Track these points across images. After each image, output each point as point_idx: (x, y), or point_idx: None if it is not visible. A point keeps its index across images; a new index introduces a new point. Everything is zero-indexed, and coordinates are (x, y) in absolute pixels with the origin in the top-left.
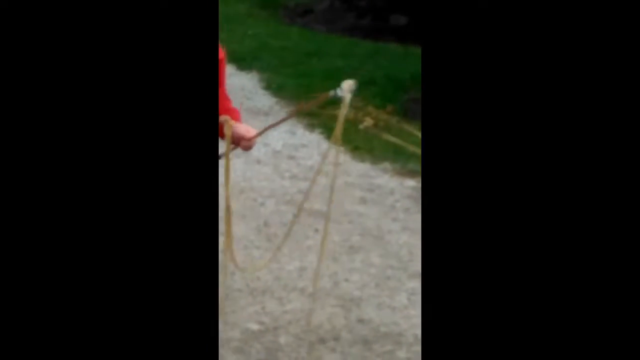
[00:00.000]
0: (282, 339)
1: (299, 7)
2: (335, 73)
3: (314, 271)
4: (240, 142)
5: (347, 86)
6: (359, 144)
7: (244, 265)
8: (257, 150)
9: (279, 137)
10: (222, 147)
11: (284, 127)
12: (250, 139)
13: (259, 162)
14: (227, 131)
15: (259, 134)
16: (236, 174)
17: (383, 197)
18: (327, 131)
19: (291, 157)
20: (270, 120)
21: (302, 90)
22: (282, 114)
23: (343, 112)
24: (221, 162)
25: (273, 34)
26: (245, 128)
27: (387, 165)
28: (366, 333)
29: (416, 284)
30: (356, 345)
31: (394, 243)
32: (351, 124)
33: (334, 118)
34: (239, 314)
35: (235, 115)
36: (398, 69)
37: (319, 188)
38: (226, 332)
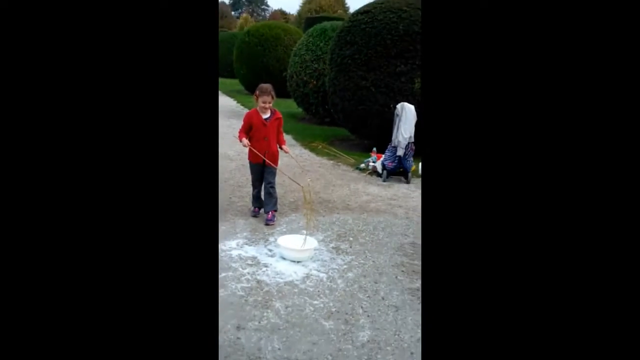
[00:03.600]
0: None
1: (297, 115)
2: (309, 134)
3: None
4: (287, 151)
5: (306, 182)
6: (316, 151)
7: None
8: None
9: (299, 153)
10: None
11: (302, 149)
12: (287, 151)
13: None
14: (305, 195)
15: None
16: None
17: (323, 167)
18: (320, 154)
19: (304, 159)
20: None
21: (299, 138)
22: (298, 147)
23: (307, 194)
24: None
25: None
26: (286, 147)
27: (324, 157)
28: (319, 200)
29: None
30: (320, 204)
31: (330, 177)
32: (314, 147)
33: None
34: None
35: (283, 141)
36: (326, 132)
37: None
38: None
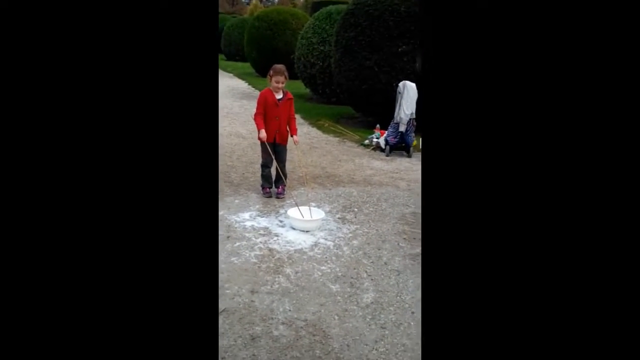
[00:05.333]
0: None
1: (304, 96)
2: (316, 113)
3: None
4: (296, 142)
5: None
6: (322, 129)
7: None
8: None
9: (307, 131)
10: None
11: (310, 128)
12: (297, 142)
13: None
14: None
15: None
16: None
17: (330, 144)
18: (327, 132)
19: (312, 136)
20: (300, 127)
21: (307, 117)
22: (306, 125)
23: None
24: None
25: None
26: (296, 138)
27: (330, 135)
28: (326, 174)
29: (348, 165)
30: (327, 178)
31: (336, 153)
32: (321, 125)
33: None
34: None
35: (295, 130)
36: (332, 111)
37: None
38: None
